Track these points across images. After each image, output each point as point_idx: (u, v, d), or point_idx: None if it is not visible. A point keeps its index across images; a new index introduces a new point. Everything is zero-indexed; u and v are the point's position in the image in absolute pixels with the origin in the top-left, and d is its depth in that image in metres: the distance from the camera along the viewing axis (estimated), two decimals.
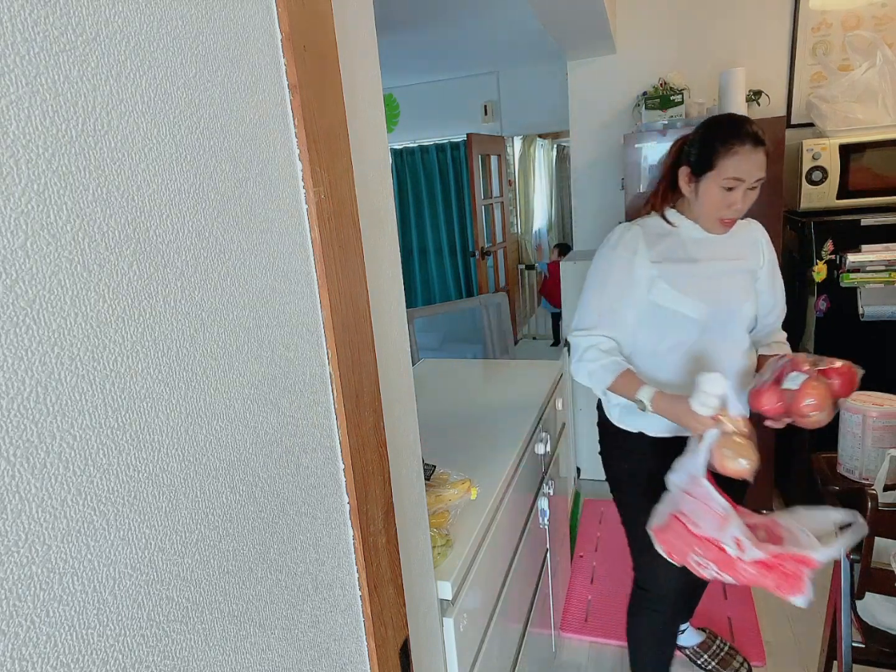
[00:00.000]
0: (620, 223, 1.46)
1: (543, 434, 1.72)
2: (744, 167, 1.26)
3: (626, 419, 1.49)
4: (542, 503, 1.70)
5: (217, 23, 0.46)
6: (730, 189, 1.28)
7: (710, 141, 1.30)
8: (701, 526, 1.16)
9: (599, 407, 1.59)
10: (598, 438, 1.61)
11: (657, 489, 1.27)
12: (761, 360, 1.43)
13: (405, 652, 0.75)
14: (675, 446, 1.32)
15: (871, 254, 2.27)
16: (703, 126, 1.34)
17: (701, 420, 1.18)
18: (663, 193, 1.42)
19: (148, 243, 0.39)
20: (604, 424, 1.57)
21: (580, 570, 2.44)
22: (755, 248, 1.46)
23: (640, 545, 1.47)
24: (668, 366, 1.40)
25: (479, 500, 1.22)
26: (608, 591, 2.28)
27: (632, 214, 1.51)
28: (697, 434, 1.21)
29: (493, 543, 1.24)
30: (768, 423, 1.28)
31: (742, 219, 1.41)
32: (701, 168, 1.31)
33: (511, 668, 1.40)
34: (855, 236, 2.30)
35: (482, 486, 1.26)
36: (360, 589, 0.66)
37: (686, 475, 1.20)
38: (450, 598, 1.00)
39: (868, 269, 2.28)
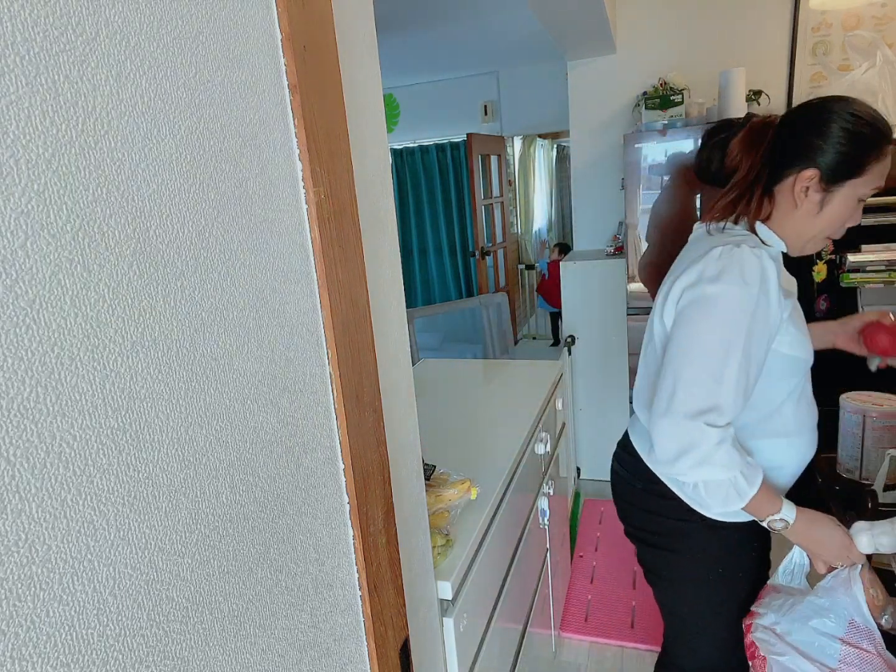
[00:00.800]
0: (728, 245, 1.00)
1: (543, 434, 1.72)
2: (885, 174, 1.00)
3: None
4: (542, 503, 1.70)
5: (217, 23, 0.46)
6: (861, 201, 1.02)
7: (862, 139, 0.97)
8: None
9: (642, 471, 1.19)
10: (647, 509, 1.21)
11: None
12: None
13: (405, 652, 0.75)
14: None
15: (871, 254, 2.27)
16: (846, 116, 0.98)
17: (856, 554, 0.99)
18: (759, 200, 1.06)
19: (148, 243, 0.39)
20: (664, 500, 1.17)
21: (580, 570, 2.45)
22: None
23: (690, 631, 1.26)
24: (784, 421, 1.11)
25: (479, 500, 1.22)
26: (608, 591, 2.28)
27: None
28: (833, 565, 1.01)
29: (493, 543, 1.24)
30: (879, 364, 1.17)
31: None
32: (843, 173, 0.98)
33: (511, 668, 1.40)
34: (855, 236, 2.30)
35: (482, 486, 1.26)
36: (360, 589, 0.66)
37: (838, 622, 0.96)
38: (450, 598, 1.00)
39: (868, 269, 2.28)
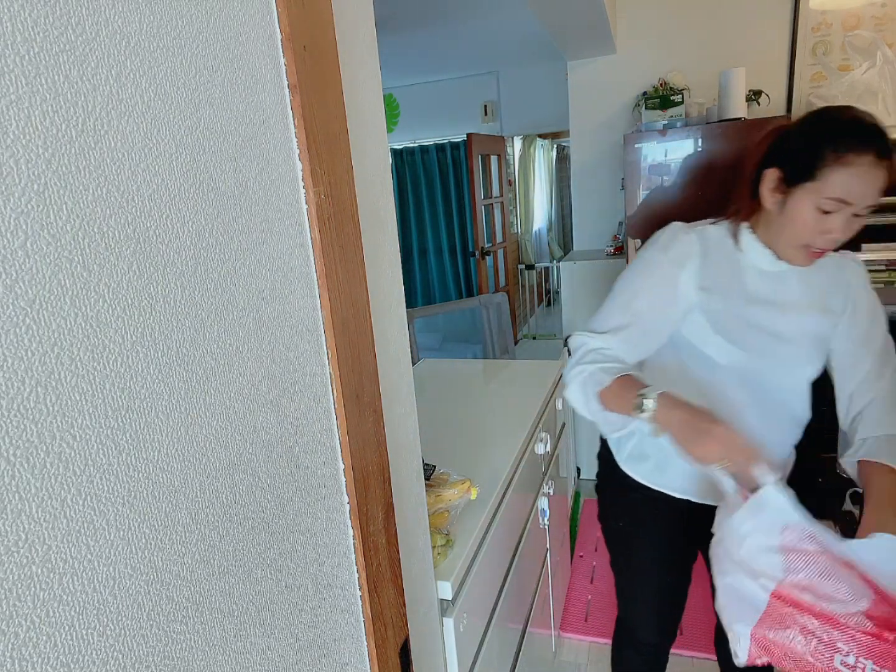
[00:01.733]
0: (675, 223, 1.12)
1: (543, 434, 1.72)
2: (856, 188, 0.91)
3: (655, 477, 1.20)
4: (542, 503, 1.70)
5: (217, 23, 0.46)
6: (827, 212, 0.94)
7: (817, 140, 0.93)
8: (841, 600, 0.79)
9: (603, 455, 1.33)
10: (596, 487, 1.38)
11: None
12: (866, 472, 1.01)
13: (405, 652, 0.75)
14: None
15: (871, 254, 2.27)
16: (812, 116, 0.98)
17: (746, 452, 0.87)
18: (744, 200, 1.07)
19: (148, 243, 0.39)
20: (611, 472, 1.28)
21: (580, 570, 2.45)
22: (840, 294, 1.08)
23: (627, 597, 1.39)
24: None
25: (479, 500, 1.22)
26: (608, 591, 2.28)
27: (675, 214, 1.19)
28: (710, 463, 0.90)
29: (493, 543, 1.24)
30: None
31: (836, 250, 1.02)
32: (797, 175, 0.95)
33: (511, 668, 1.40)
34: (855, 236, 2.30)
35: (482, 486, 1.26)
36: (360, 589, 0.66)
37: (770, 532, 0.85)
38: (450, 598, 1.00)
39: (868, 269, 2.28)
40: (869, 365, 1.07)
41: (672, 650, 1.56)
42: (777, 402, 1.10)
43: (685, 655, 2.01)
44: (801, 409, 1.13)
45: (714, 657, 1.60)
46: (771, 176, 0.99)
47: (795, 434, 1.16)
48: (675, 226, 1.11)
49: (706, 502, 1.15)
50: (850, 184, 0.91)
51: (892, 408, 1.05)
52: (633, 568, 1.34)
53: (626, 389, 0.98)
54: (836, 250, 1.02)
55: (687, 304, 1.07)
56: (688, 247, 1.06)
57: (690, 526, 1.22)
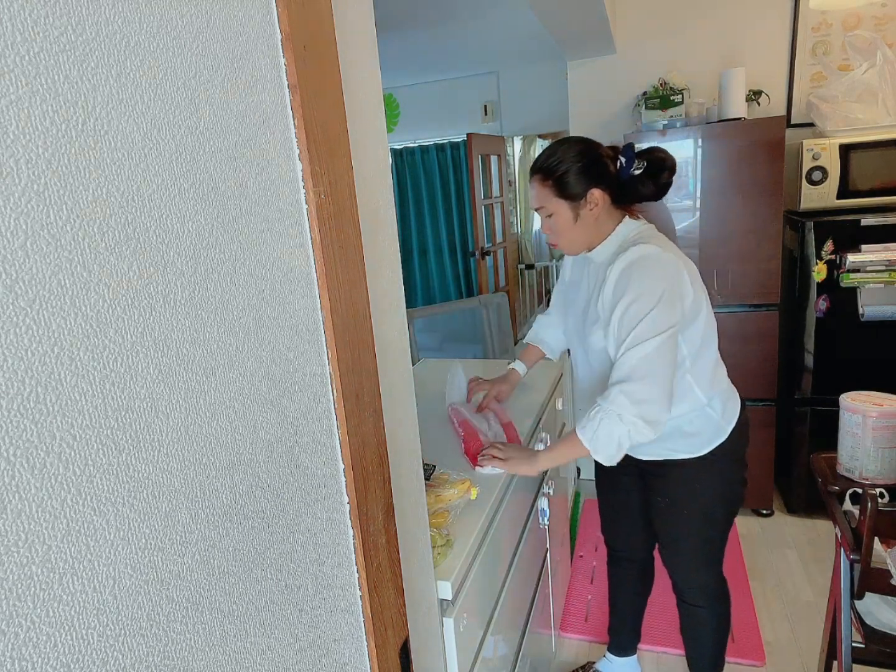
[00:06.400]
0: None
1: (543, 434, 1.72)
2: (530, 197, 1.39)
3: None
4: (542, 503, 1.70)
5: (217, 22, 0.46)
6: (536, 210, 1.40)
7: None
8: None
9: None
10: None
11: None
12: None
13: (405, 652, 0.75)
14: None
15: (871, 254, 2.27)
16: None
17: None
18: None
19: (148, 243, 0.39)
20: None
21: (580, 570, 2.44)
22: (597, 281, 1.38)
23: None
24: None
25: (479, 500, 1.22)
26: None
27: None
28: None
29: (493, 543, 1.24)
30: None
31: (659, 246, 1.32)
32: None
33: (511, 668, 1.40)
34: (855, 236, 2.30)
35: (482, 486, 1.26)
36: (360, 589, 0.66)
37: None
38: (450, 598, 1.00)
39: (868, 269, 2.28)
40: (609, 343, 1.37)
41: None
42: (584, 361, 1.49)
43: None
44: (599, 364, 1.43)
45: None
46: None
47: (598, 377, 1.46)
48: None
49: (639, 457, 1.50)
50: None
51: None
52: (600, 491, 1.76)
53: (524, 354, 1.84)
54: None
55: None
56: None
57: (636, 471, 1.58)
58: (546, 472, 1.81)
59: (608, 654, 1.90)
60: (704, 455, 1.41)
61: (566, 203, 1.32)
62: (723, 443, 1.42)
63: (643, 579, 1.79)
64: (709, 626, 1.61)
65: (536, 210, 1.37)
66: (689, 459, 1.42)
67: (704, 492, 1.45)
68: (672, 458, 1.43)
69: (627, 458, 1.46)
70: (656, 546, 1.65)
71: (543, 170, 1.32)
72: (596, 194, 1.31)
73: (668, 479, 1.47)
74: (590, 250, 1.40)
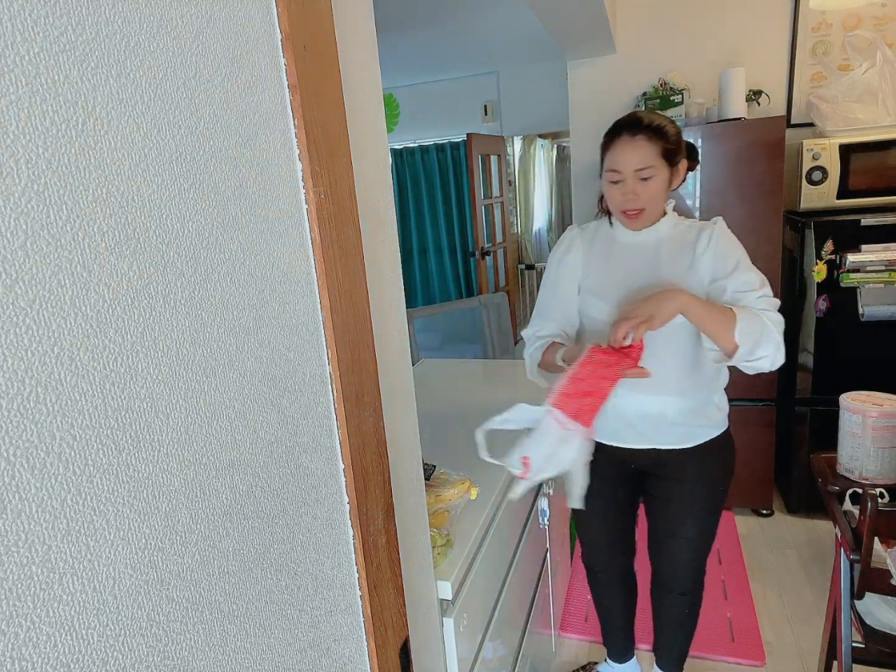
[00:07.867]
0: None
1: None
2: (619, 158, 1.30)
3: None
4: (542, 503, 1.70)
5: (217, 23, 0.46)
6: (615, 182, 1.32)
7: (603, 140, 1.40)
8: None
9: None
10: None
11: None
12: None
13: (405, 652, 0.75)
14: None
15: (871, 254, 2.27)
16: None
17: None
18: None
19: (148, 243, 0.39)
20: None
21: (580, 570, 2.44)
22: (685, 250, 1.36)
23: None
24: None
25: (479, 500, 1.22)
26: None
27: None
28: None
29: (493, 543, 1.24)
30: None
31: (709, 220, 1.41)
32: (601, 167, 1.39)
33: (511, 668, 1.40)
34: (855, 236, 2.30)
35: (482, 486, 1.26)
36: (360, 589, 0.66)
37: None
38: (450, 598, 1.00)
39: (868, 269, 2.28)
40: (741, 290, 1.31)
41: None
42: (654, 346, 1.33)
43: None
44: (677, 347, 1.38)
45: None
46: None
47: (684, 361, 1.40)
48: (568, 228, 1.53)
49: (639, 446, 1.45)
50: (614, 157, 1.32)
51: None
52: (584, 514, 1.63)
53: (549, 354, 1.41)
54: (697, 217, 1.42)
55: (576, 280, 1.46)
56: (569, 237, 1.50)
57: (630, 480, 1.57)
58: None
59: (609, 661, 1.91)
60: (720, 434, 1.45)
61: (667, 166, 1.31)
62: (728, 428, 1.49)
63: (628, 590, 1.80)
64: (691, 614, 1.65)
65: (638, 170, 1.28)
66: (707, 442, 1.44)
67: (714, 470, 1.47)
68: (695, 443, 1.44)
69: (627, 465, 1.53)
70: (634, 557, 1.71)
71: (654, 129, 1.28)
72: (685, 165, 1.35)
73: (684, 465, 1.46)
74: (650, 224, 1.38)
